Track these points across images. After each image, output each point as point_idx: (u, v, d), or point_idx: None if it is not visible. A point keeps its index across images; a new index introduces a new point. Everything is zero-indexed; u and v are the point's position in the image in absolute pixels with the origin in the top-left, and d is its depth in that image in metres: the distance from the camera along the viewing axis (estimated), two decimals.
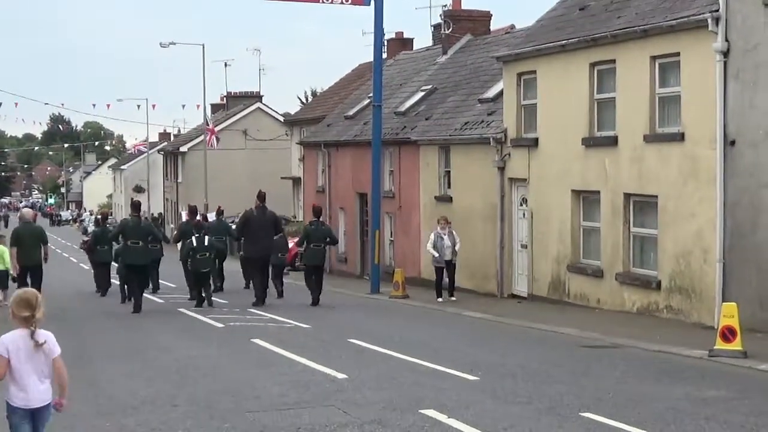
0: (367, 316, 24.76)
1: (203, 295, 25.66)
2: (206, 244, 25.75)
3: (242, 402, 12.51)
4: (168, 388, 13.63)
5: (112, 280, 31.61)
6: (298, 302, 27.10)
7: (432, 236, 27.36)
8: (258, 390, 13.33)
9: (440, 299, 27.11)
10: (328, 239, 26.77)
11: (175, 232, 31.43)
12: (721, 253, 20.02)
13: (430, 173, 32.77)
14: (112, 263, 30.69)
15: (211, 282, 26.81)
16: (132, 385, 14.05)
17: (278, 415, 11.68)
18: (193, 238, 25.92)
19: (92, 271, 32.63)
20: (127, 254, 25.66)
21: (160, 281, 31.90)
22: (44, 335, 8.34)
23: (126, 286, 27.43)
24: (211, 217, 37.64)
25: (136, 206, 26.87)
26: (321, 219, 27.57)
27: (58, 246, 71.86)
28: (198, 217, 30.47)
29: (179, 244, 28.39)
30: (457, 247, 27.25)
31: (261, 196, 26.58)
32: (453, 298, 27.20)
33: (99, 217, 38.80)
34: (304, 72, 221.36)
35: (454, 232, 27.37)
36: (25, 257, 23.44)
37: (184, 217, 31.56)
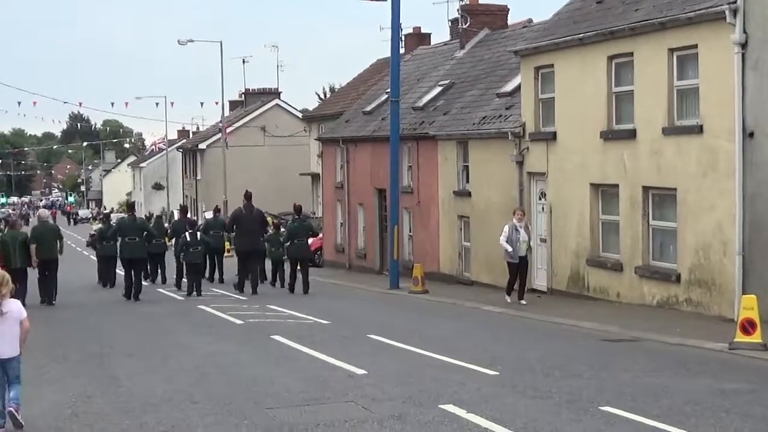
0: (386, 312, 24.77)
1: (194, 285, 28.12)
2: (198, 239, 28.76)
3: (261, 398, 12.53)
4: (187, 385, 13.67)
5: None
6: (310, 296, 27.46)
7: (506, 229, 24.48)
8: (277, 386, 13.35)
9: (509, 299, 24.59)
10: (310, 233, 29.98)
11: (169, 230, 34.64)
12: (740, 245, 19.94)
13: (449, 168, 32.74)
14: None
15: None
16: (151, 382, 14.10)
17: (297, 412, 11.70)
18: (187, 234, 28.83)
19: (98, 264, 34.51)
20: (124, 249, 28.42)
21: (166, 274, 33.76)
22: (9, 304, 11.08)
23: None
24: (209, 215, 41.67)
25: (130, 206, 31.04)
26: (301, 216, 30.26)
27: (78, 244, 72.11)
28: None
29: (173, 241, 31.41)
30: (532, 242, 25.00)
31: (248, 196, 29.70)
32: (523, 302, 24.35)
33: (102, 216, 41.50)
34: (322, 68, 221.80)
35: (528, 226, 25.09)
36: (42, 252, 25.84)
37: (176, 216, 34.78)
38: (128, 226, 28.36)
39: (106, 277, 33.05)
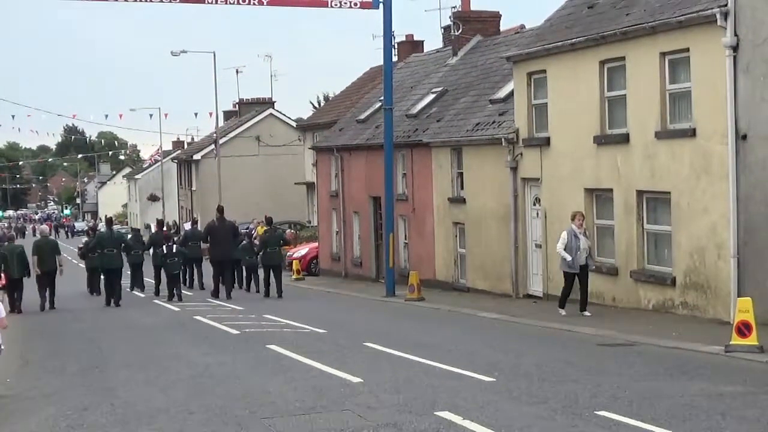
0: (382, 320, 24.79)
1: (174, 291, 30.79)
2: (174, 251, 31.19)
3: (257, 408, 12.52)
4: (183, 396, 13.67)
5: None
6: (306, 305, 27.41)
7: (564, 235, 22.60)
8: (273, 396, 13.35)
9: (563, 311, 22.64)
10: (281, 242, 32.99)
11: (147, 240, 37.08)
12: (735, 248, 19.95)
13: (443, 175, 32.75)
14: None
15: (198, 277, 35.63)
16: (148, 393, 14.10)
17: (293, 421, 11.69)
18: (164, 246, 31.37)
19: (87, 274, 36.56)
20: (103, 260, 30.74)
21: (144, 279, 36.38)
22: None
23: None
24: (188, 226, 46.13)
25: (109, 221, 34.22)
26: (273, 226, 33.25)
27: (74, 256, 71.95)
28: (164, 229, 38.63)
29: (151, 251, 34.18)
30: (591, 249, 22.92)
31: (220, 209, 33.38)
32: (587, 314, 22.39)
33: (89, 229, 47.78)
34: (315, 77, 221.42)
35: (587, 232, 23.14)
36: (42, 264, 28.98)
37: (153, 228, 37.85)
38: (107, 238, 31.23)
39: (93, 287, 35.32)
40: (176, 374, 15.78)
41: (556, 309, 23.10)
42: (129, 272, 35.44)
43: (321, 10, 30.58)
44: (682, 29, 21.26)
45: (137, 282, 35.93)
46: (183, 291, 32.22)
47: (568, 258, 22.37)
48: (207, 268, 35.41)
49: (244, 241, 34.34)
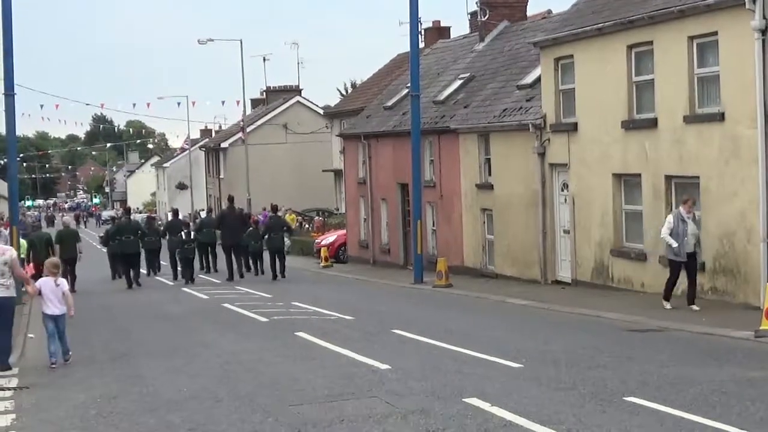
0: (410, 306, 24.77)
1: (189, 275, 33.76)
2: (191, 237, 34.94)
3: (285, 395, 12.54)
4: (212, 384, 13.70)
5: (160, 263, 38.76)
6: (334, 292, 27.15)
7: (670, 219, 20.64)
8: (301, 383, 13.37)
9: (668, 305, 20.65)
10: (285, 228, 36.05)
11: (161, 228, 39.58)
12: (765, 232, 19.81)
13: (471, 161, 32.69)
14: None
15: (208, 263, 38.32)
16: (176, 381, 14.14)
17: (321, 408, 11.71)
18: (182, 233, 34.94)
19: (109, 260, 38.53)
20: (121, 246, 33.76)
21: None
22: (61, 280, 16.26)
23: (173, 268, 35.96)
24: (203, 214, 50.53)
25: (127, 210, 38.92)
26: (277, 213, 37.00)
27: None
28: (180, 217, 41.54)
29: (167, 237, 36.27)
30: (701, 236, 20.92)
31: (230, 199, 36.89)
32: (695, 308, 20.28)
33: (110, 218, 48.31)
34: (342, 64, 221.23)
35: (696, 217, 20.96)
36: (64, 252, 30.75)
37: (170, 216, 40.10)
38: (125, 226, 34.70)
39: (115, 271, 37.43)
40: (205, 362, 15.83)
41: (584, 294, 23.01)
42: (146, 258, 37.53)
43: None
44: (711, 12, 21.10)
45: (153, 267, 38.22)
46: (206, 277, 35.77)
47: (674, 244, 20.40)
48: (220, 252, 36.73)
49: (251, 228, 36.84)
